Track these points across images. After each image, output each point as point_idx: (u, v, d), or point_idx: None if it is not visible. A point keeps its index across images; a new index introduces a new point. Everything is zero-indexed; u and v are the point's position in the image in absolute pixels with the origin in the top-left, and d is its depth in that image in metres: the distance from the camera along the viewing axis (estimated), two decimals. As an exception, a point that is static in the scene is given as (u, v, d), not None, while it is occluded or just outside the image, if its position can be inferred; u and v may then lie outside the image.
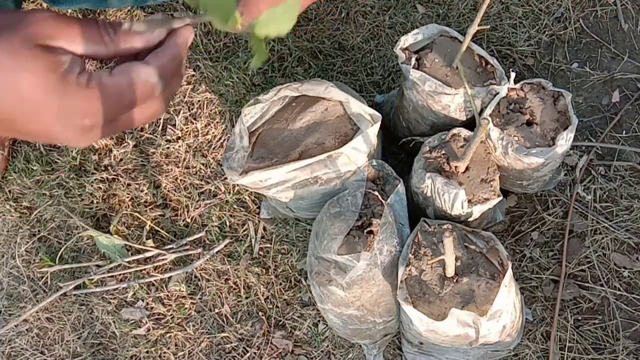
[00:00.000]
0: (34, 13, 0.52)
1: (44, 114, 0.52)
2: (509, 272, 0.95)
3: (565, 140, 1.04)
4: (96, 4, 1.18)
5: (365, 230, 1.01)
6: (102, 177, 1.40)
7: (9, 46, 0.50)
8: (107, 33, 0.54)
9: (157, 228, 1.37)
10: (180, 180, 1.39)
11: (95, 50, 0.54)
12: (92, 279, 1.35)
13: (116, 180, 1.41)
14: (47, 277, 1.37)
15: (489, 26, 1.25)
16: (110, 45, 0.54)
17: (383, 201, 1.03)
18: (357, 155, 1.05)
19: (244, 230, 1.34)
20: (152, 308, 1.32)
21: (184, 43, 0.57)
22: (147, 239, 1.35)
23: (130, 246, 1.36)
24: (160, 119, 1.43)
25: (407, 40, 1.11)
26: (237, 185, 1.31)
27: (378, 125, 1.06)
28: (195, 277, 1.33)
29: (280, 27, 0.60)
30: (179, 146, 1.40)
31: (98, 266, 1.35)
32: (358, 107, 1.06)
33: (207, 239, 1.34)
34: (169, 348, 1.30)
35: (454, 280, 0.96)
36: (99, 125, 0.54)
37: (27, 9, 0.53)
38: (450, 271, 0.95)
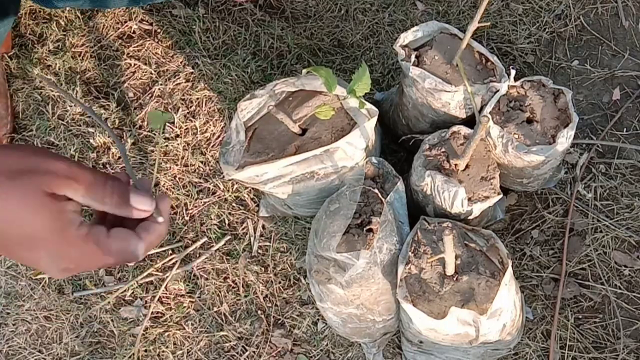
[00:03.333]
0: (50, 161, 0.59)
1: (39, 252, 0.60)
2: (509, 270, 0.95)
3: (565, 138, 1.04)
4: (94, 3, 1.18)
5: (364, 229, 1.01)
6: (100, 175, 1.40)
7: (23, 191, 0.58)
8: (111, 195, 0.61)
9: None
10: (179, 178, 1.38)
11: (94, 206, 0.61)
12: (92, 279, 1.35)
13: (114, 178, 1.40)
14: (45, 276, 1.37)
15: (489, 23, 1.24)
16: (108, 207, 0.61)
17: (382, 199, 1.02)
18: (353, 150, 1.05)
19: (243, 229, 1.34)
20: (150, 307, 1.31)
21: (167, 212, 0.65)
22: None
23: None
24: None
25: (406, 37, 1.10)
26: (234, 181, 1.30)
27: (375, 119, 1.06)
28: (194, 275, 1.33)
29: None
30: (178, 144, 1.40)
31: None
32: (355, 101, 1.05)
33: (206, 237, 1.34)
34: (167, 347, 1.30)
35: (454, 279, 0.96)
36: (80, 269, 0.63)
37: (44, 155, 0.60)
38: (450, 269, 0.95)
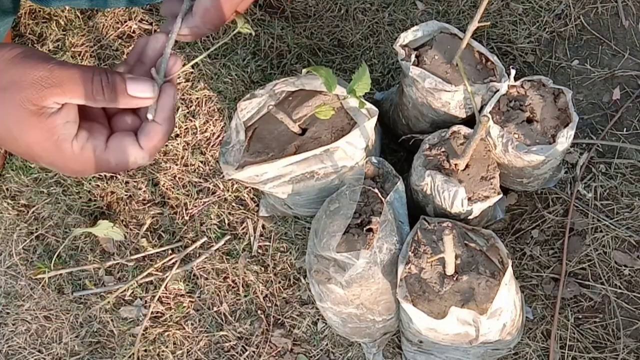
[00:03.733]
0: (30, 71, 0.56)
1: (40, 162, 0.59)
2: (509, 270, 0.94)
3: (565, 138, 1.03)
4: (93, 3, 1.18)
5: (364, 228, 1.01)
6: (100, 175, 1.40)
7: (6, 110, 0.56)
8: (101, 90, 0.57)
9: (155, 226, 1.36)
10: (179, 178, 1.38)
11: (88, 104, 0.58)
12: (92, 279, 1.35)
13: (114, 178, 1.40)
14: (45, 276, 1.37)
15: (489, 23, 1.24)
16: (102, 102, 0.58)
17: (382, 199, 1.02)
18: (353, 150, 1.05)
19: (243, 228, 1.34)
20: (150, 306, 1.31)
21: (172, 116, 0.62)
22: (145, 237, 1.35)
23: (128, 244, 1.35)
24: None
25: (406, 37, 1.10)
26: (234, 180, 1.30)
27: (375, 119, 1.06)
28: (194, 275, 1.33)
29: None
30: (178, 144, 1.40)
31: (96, 267, 1.35)
32: (355, 101, 1.05)
33: (206, 237, 1.34)
34: (167, 347, 1.30)
35: (454, 279, 0.96)
36: (86, 175, 0.67)
37: (23, 65, 0.57)
38: (450, 269, 0.95)
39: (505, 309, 0.94)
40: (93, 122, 0.61)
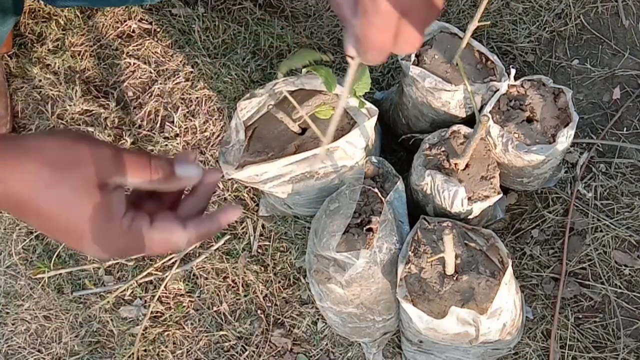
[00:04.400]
0: (96, 149, 0.60)
1: (83, 241, 0.61)
2: (509, 269, 0.94)
3: (565, 137, 1.03)
4: (94, 2, 1.18)
5: (364, 228, 1.00)
6: (99, 175, 1.40)
7: (72, 184, 0.59)
8: (156, 171, 0.62)
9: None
10: (179, 177, 1.38)
11: (142, 185, 0.62)
12: (91, 279, 1.34)
13: (114, 177, 1.40)
14: (44, 276, 1.37)
15: (489, 22, 1.24)
16: (156, 184, 0.63)
17: (382, 198, 1.02)
18: (353, 150, 1.04)
19: (243, 228, 1.34)
20: (150, 306, 1.31)
21: (226, 222, 0.65)
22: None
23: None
24: (158, 116, 1.43)
25: (406, 36, 1.10)
26: (234, 180, 1.30)
27: (375, 119, 1.06)
28: (194, 275, 1.33)
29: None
30: (177, 143, 1.39)
31: (96, 267, 1.35)
32: (355, 101, 1.05)
33: (206, 236, 1.34)
34: (167, 346, 1.30)
35: (454, 278, 0.96)
36: (125, 256, 0.66)
37: (88, 143, 0.60)
38: (450, 269, 0.95)
39: (505, 308, 0.94)
40: (138, 204, 0.65)
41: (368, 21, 0.57)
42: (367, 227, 1.00)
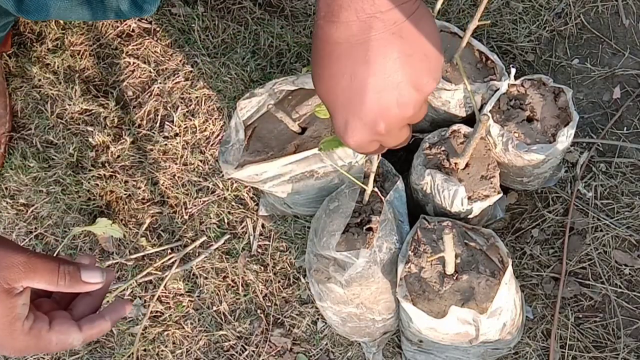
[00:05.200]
0: (10, 256, 0.64)
1: None
2: (509, 269, 0.94)
3: (565, 137, 1.03)
4: (94, 16, 1.17)
5: (364, 227, 1.00)
6: (99, 174, 1.40)
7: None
8: (63, 277, 0.67)
9: (154, 225, 1.36)
10: (178, 177, 1.38)
11: (49, 288, 0.67)
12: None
13: (113, 177, 1.40)
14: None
15: (489, 22, 1.24)
16: (62, 288, 0.67)
17: (382, 198, 1.02)
18: (353, 149, 1.04)
19: (242, 228, 1.34)
20: (149, 306, 1.31)
21: (117, 320, 0.72)
22: (144, 237, 1.35)
23: (127, 243, 1.35)
24: (158, 115, 1.42)
25: (406, 35, 1.10)
26: (233, 180, 1.30)
27: None
28: (193, 274, 1.33)
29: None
30: (177, 143, 1.39)
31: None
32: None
33: (205, 236, 1.33)
34: (166, 346, 1.30)
35: (454, 278, 0.96)
36: (22, 355, 0.70)
37: (3, 249, 0.65)
38: (450, 268, 0.94)
39: (505, 308, 0.94)
40: (36, 302, 0.70)
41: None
42: (367, 226, 1.00)
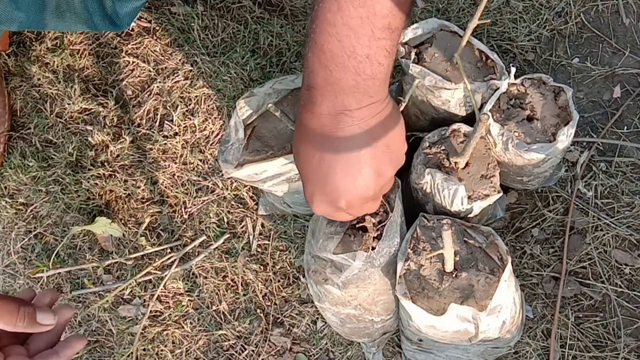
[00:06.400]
0: None
1: None
2: (509, 266, 0.94)
3: (566, 136, 1.03)
4: (92, 27, 1.16)
5: (358, 227, 1.00)
6: (98, 173, 1.39)
7: None
8: (22, 318, 0.70)
9: (154, 225, 1.36)
10: (178, 176, 1.38)
11: (7, 329, 0.70)
12: (90, 278, 1.34)
13: (113, 176, 1.40)
14: (43, 275, 1.36)
15: (489, 21, 1.24)
16: (20, 328, 0.71)
17: (385, 204, 1.01)
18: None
19: (242, 227, 1.33)
20: (149, 305, 1.31)
21: (72, 355, 0.76)
22: (144, 236, 1.34)
23: (127, 243, 1.35)
24: (157, 115, 1.42)
25: (406, 34, 1.10)
26: (233, 179, 1.30)
27: None
28: (193, 274, 1.33)
29: None
30: (176, 142, 1.39)
31: (95, 266, 1.34)
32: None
33: (205, 235, 1.33)
34: (166, 345, 1.30)
35: (453, 275, 0.96)
36: None
37: None
38: (449, 266, 0.94)
39: (504, 305, 0.94)
40: None
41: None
42: (361, 224, 0.99)
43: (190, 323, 1.30)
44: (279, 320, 1.29)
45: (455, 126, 1.08)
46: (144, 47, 1.47)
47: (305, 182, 0.77)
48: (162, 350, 1.30)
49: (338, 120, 0.71)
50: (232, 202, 1.35)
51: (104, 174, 1.40)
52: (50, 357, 0.73)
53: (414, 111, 1.16)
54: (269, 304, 1.30)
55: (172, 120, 1.41)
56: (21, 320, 0.71)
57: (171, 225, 1.36)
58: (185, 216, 1.36)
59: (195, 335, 1.30)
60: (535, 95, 1.08)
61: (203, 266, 1.32)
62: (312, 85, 0.72)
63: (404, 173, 1.13)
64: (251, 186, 1.34)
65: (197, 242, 1.33)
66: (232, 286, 1.31)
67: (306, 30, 0.72)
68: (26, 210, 1.41)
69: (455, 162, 1.04)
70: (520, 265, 1.24)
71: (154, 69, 1.45)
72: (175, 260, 1.31)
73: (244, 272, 1.31)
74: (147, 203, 1.38)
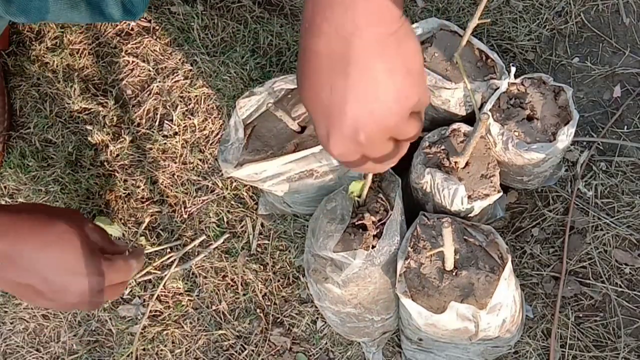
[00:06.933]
0: (79, 215, 0.87)
1: (74, 271, 0.81)
2: (509, 265, 0.94)
3: (566, 136, 1.03)
4: (93, 18, 1.16)
5: (358, 225, 1.00)
6: (98, 173, 1.39)
7: (82, 251, 0.80)
8: (134, 264, 0.89)
9: (154, 224, 1.36)
10: (178, 176, 1.38)
11: (127, 278, 0.89)
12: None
13: (112, 176, 1.39)
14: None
15: (489, 20, 1.23)
16: (135, 271, 0.89)
17: (385, 201, 1.01)
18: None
19: (242, 227, 1.33)
20: (149, 305, 1.30)
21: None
22: (143, 236, 1.34)
23: (127, 242, 1.35)
24: (157, 114, 1.42)
25: (406, 34, 1.09)
26: (233, 178, 1.30)
27: None
28: (193, 273, 1.32)
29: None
30: (176, 142, 1.39)
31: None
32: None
33: (205, 235, 1.33)
34: (165, 345, 1.29)
35: (453, 274, 0.95)
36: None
37: (55, 208, 0.86)
38: (449, 264, 0.94)
39: (504, 304, 0.94)
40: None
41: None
42: (361, 222, 0.99)
43: (190, 323, 1.30)
44: (278, 320, 1.29)
45: (455, 126, 1.08)
46: (144, 47, 1.46)
47: (316, 122, 0.69)
48: (161, 350, 1.29)
49: (348, 41, 0.64)
50: (232, 202, 1.35)
51: (103, 174, 1.40)
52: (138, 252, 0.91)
53: (414, 111, 1.15)
54: (269, 303, 1.29)
55: (171, 120, 1.41)
56: (134, 264, 0.86)
57: (171, 224, 1.36)
58: (185, 216, 1.36)
59: (195, 335, 1.30)
60: (535, 94, 1.08)
61: (203, 266, 1.32)
62: (319, 1, 0.64)
63: (403, 172, 1.13)
64: (251, 186, 1.34)
65: (197, 242, 1.32)
66: (232, 286, 1.31)
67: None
68: (26, 210, 1.41)
69: (455, 162, 1.04)
70: (520, 264, 1.24)
71: (153, 68, 1.45)
72: (175, 260, 1.31)
73: (243, 271, 1.31)
74: (146, 203, 1.37)
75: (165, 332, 1.30)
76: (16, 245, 0.76)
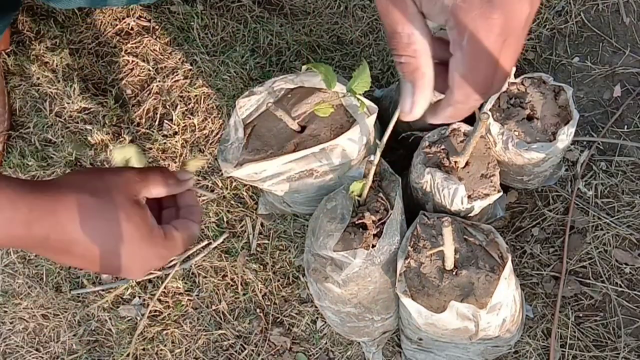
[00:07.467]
0: (122, 174, 0.69)
1: (134, 257, 0.68)
2: (509, 264, 0.94)
3: (566, 135, 1.03)
4: (94, 2, 1.17)
5: (358, 224, 1.00)
6: (98, 173, 1.39)
7: (114, 204, 0.66)
8: (169, 180, 0.73)
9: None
10: (177, 175, 1.38)
11: (163, 194, 0.72)
12: (90, 277, 1.34)
13: (112, 175, 1.39)
14: (42, 274, 1.36)
15: (489, 20, 1.23)
16: (172, 189, 0.73)
17: (383, 198, 1.01)
18: (352, 148, 1.04)
19: (242, 226, 1.33)
20: (149, 305, 1.30)
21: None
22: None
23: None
24: (157, 114, 1.42)
25: (406, 33, 1.09)
26: (233, 178, 1.29)
27: (374, 116, 1.05)
28: (192, 273, 1.32)
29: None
30: (176, 141, 1.39)
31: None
32: (354, 98, 1.04)
33: (205, 235, 1.33)
34: (165, 345, 1.29)
35: (453, 273, 0.95)
36: (159, 266, 0.72)
37: (114, 171, 0.70)
38: (449, 263, 0.94)
39: (504, 303, 0.94)
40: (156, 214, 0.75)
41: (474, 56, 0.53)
42: (361, 221, 0.99)
43: (190, 323, 1.30)
44: (278, 319, 1.29)
45: (455, 125, 1.08)
46: (144, 46, 1.46)
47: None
48: (161, 349, 1.29)
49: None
50: (232, 202, 1.34)
51: (103, 174, 1.40)
52: (198, 209, 0.77)
53: (414, 110, 1.15)
54: (269, 303, 1.29)
55: (171, 120, 1.41)
56: (172, 179, 0.73)
57: (171, 224, 1.36)
58: (185, 215, 1.35)
59: (195, 335, 1.30)
60: (536, 94, 1.08)
61: (202, 266, 1.32)
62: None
63: (403, 172, 1.13)
64: (251, 185, 1.34)
65: (199, 245, 1.32)
66: (232, 286, 1.31)
67: None
68: (25, 210, 1.41)
69: (455, 162, 1.04)
70: (521, 264, 1.24)
71: (153, 68, 1.45)
72: (175, 260, 1.31)
73: (243, 271, 1.30)
74: (146, 202, 1.37)
75: (165, 332, 1.30)
76: (64, 235, 0.66)
